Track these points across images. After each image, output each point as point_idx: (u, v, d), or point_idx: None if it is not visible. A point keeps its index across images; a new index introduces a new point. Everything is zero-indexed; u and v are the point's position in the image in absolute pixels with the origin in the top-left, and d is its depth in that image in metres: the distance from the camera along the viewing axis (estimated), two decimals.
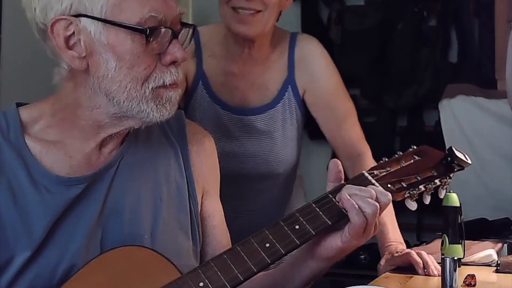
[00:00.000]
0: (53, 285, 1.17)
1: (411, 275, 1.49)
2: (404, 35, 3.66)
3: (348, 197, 1.18)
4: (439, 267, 1.44)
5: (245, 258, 1.13)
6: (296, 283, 1.27)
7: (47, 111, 1.26)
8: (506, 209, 2.42)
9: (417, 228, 3.54)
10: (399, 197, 1.27)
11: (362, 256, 3.45)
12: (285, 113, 1.89)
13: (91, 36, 1.17)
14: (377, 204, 1.18)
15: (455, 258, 1.28)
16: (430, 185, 1.29)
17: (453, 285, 1.27)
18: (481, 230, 2.04)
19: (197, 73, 1.88)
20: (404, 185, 1.27)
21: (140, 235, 1.24)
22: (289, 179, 1.99)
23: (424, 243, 2.06)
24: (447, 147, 1.32)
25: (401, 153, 1.33)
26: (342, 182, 1.24)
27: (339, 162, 1.26)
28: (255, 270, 1.13)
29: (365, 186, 1.21)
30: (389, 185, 1.25)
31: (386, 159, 1.32)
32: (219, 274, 1.11)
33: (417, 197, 1.29)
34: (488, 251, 1.62)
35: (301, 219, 1.18)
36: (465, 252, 1.40)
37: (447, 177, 1.31)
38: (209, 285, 1.10)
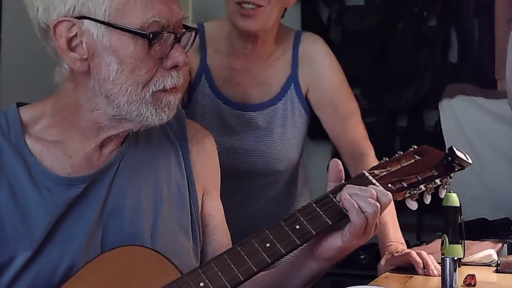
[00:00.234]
0: (53, 285, 1.17)
1: (411, 275, 1.49)
2: (404, 35, 3.66)
3: (349, 197, 1.18)
4: (439, 267, 1.44)
5: (246, 258, 1.13)
6: (296, 283, 1.27)
7: (48, 111, 1.26)
8: (506, 209, 2.42)
9: (417, 228, 3.54)
10: (399, 196, 1.27)
11: (362, 256, 3.45)
12: (286, 111, 1.89)
13: (93, 38, 1.17)
14: (378, 204, 1.17)
15: (455, 258, 1.28)
16: (430, 184, 1.29)
17: (453, 285, 1.27)
18: (481, 230, 2.04)
19: (200, 67, 1.89)
20: (405, 184, 1.27)
21: (140, 235, 1.24)
22: (292, 178, 1.98)
23: (424, 243, 2.06)
24: (447, 147, 1.32)
25: (401, 153, 1.33)
26: (343, 182, 1.24)
27: (339, 161, 1.26)
28: (256, 270, 1.13)
29: (366, 186, 1.21)
30: (389, 185, 1.25)
31: (387, 159, 1.32)
32: (220, 274, 1.11)
33: (417, 197, 1.29)
34: (488, 251, 1.62)
35: (302, 219, 1.18)
36: (465, 252, 1.40)
37: (448, 177, 1.31)
38: (210, 285, 1.10)
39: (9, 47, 2.94)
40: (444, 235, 1.36)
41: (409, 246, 1.73)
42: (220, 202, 1.40)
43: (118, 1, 1.16)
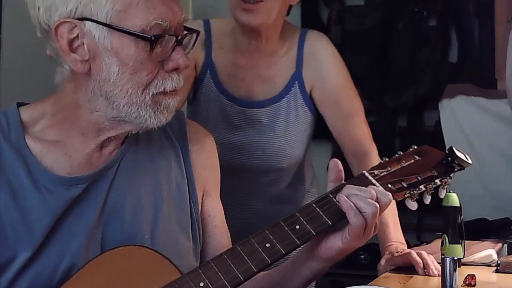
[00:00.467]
0: (53, 284, 1.17)
1: (411, 275, 1.49)
2: (404, 35, 3.66)
3: (346, 198, 1.18)
4: (439, 267, 1.44)
5: (246, 258, 1.13)
6: (296, 283, 1.27)
7: (48, 111, 1.26)
8: (506, 209, 2.42)
9: (417, 228, 3.54)
10: (399, 197, 1.27)
11: (362, 256, 3.45)
12: (289, 108, 1.89)
13: (95, 40, 1.17)
14: (377, 205, 1.17)
15: (455, 258, 1.28)
16: (430, 185, 1.29)
17: (453, 285, 1.27)
18: (481, 230, 2.04)
19: (205, 63, 1.90)
20: (405, 185, 1.27)
21: (140, 235, 1.24)
22: (296, 177, 1.98)
23: (424, 243, 2.06)
24: (447, 147, 1.32)
25: (401, 153, 1.33)
26: (343, 182, 1.24)
27: (339, 162, 1.26)
28: (255, 270, 1.13)
29: (366, 186, 1.21)
30: (389, 185, 1.25)
31: (387, 159, 1.32)
32: (219, 274, 1.11)
33: (417, 197, 1.29)
34: (488, 251, 1.62)
35: (302, 219, 1.18)
36: (465, 252, 1.40)
37: (448, 177, 1.31)
38: (210, 285, 1.10)
39: (9, 47, 2.94)
40: (444, 235, 1.35)
41: (409, 246, 1.73)
42: (220, 202, 1.40)
43: (120, 3, 1.16)
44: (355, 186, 1.21)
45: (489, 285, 1.41)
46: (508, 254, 1.71)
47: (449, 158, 1.30)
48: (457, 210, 1.36)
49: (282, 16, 1.86)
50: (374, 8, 3.75)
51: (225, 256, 1.14)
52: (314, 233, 1.17)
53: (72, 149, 1.24)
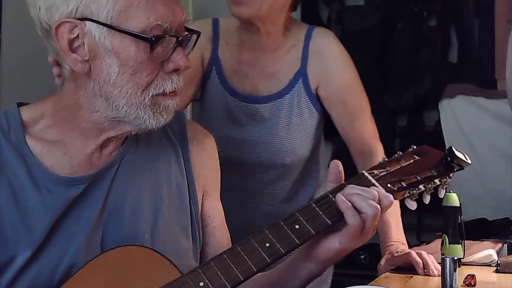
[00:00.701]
0: (53, 284, 1.17)
1: (411, 275, 1.49)
2: (404, 35, 3.66)
3: (344, 198, 1.18)
4: (439, 267, 1.44)
5: (245, 258, 1.13)
6: (294, 284, 1.27)
7: (48, 111, 1.26)
8: (506, 209, 2.42)
9: (417, 228, 3.54)
10: (399, 196, 1.27)
11: (362, 256, 3.45)
12: (292, 104, 1.89)
13: (95, 40, 1.17)
14: (379, 207, 1.17)
15: (455, 258, 1.28)
16: (430, 184, 1.29)
17: (453, 285, 1.27)
18: (481, 230, 2.04)
19: (211, 59, 1.91)
20: (404, 184, 1.27)
21: (140, 235, 1.24)
22: (302, 175, 1.96)
23: (424, 243, 2.06)
24: (447, 147, 1.32)
25: (401, 153, 1.33)
26: (342, 182, 1.24)
27: (339, 163, 1.26)
28: (255, 270, 1.13)
29: (365, 186, 1.21)
30: (389, 185, 1.25)
31: (386, 159, 1.32)
32: (219, 274, 1.11)
33: (417, 197, 1.29)
34: (488, 251, 1.62)
35: (301, 219, 1.18)
36: (465, 252, 1.40)
37: (447, 177, 1.31)
38: (209, 285, 1.10)
39: (9, 47, 2.94)
40: (444, 235, 1.36)
41: (409, 246, 1.73)
42: (220, 202, 1.40)
43: (121, 3, 1.16)
44: (357, 186, 1.20)
45: (489, 285, 1.41)
46: (508, 254, 1.71)
47: (449, 158, 1.30)
48: (457, 210, 1.36)
49: (279, 10, 1.85)
50: (374, 8, 3.75)
51: (225, 256, 1.14)
52: (314, 233, 1.17)
53: (72, 149, 1.24)
